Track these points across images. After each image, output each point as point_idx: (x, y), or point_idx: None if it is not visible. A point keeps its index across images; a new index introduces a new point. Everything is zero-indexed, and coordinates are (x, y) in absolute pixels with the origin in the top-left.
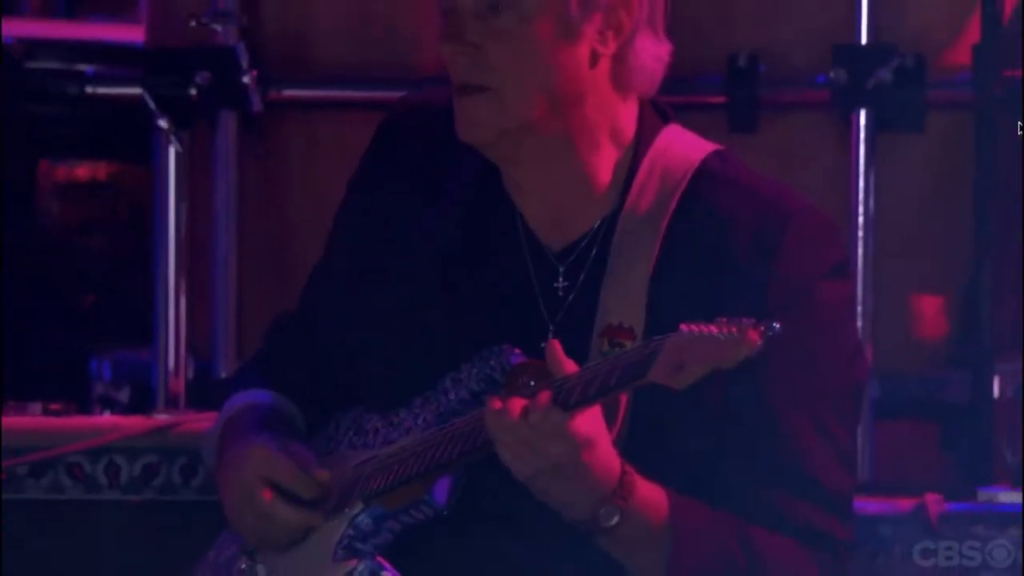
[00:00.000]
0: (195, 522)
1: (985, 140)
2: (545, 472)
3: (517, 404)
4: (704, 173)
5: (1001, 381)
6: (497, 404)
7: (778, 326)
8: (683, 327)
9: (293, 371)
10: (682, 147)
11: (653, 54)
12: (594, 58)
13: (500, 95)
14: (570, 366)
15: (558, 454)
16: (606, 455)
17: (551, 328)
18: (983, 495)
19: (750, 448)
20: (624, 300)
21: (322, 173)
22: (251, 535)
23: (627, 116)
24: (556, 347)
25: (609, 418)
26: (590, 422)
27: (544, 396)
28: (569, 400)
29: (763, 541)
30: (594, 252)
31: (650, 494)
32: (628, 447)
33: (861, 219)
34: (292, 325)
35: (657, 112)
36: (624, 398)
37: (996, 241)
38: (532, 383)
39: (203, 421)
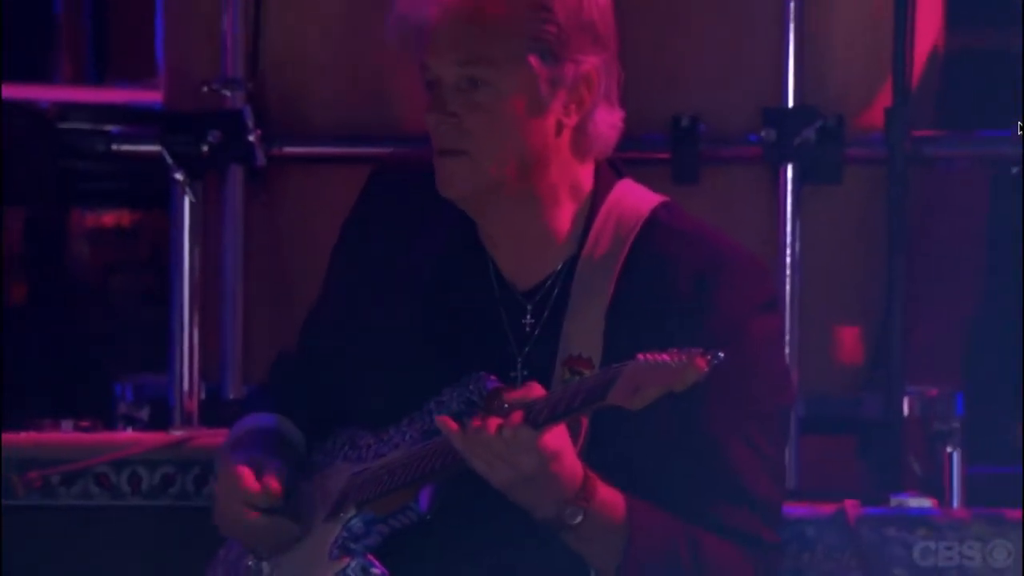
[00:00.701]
0: (207, 525)
1: (896, 191)
2: (517, 481)
3: (493, 423)
4: (653, 222)
5: (910, 401)
6: (476, 422)
7: (722, 355)
8: (639, 356)
9: (294, 397)
10: (633, 199)
11: (608, 122)
12: (559, 128)
13: (476, 159)
14: (539, 391)
15: (529, 465)
16: (571, 464)
17: (519, 358)
18: (895, 501)
19: (692, 461)
20: (583, 334)
21: (318, 220)
22: (235, 538)
23: (585, 174)
24: (532, 383)
25: (573, 433)
26: (556, 438)
27: (517, 416)
28: (538, 419)
29: (705, 541)
30: (556, 292)
31: (609, 497)
32: (591, 457)
33: (788, 260)
34: (293, 357)
35: (612, 168)
36: (585, 418)
37: (906, 279)
38: (506, 405)
39: (214, 436)
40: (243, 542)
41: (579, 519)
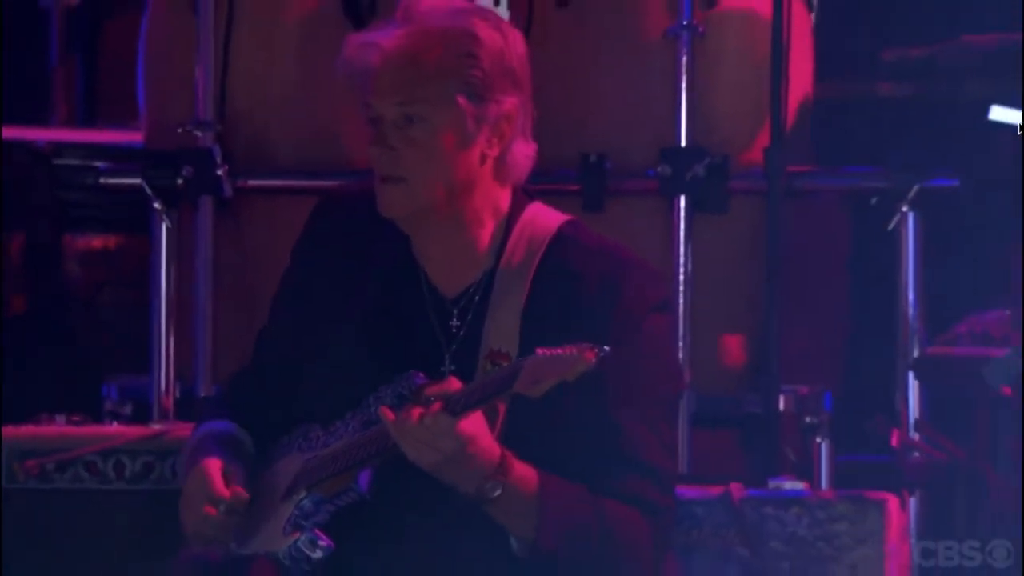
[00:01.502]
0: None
1: (774, 218)
2: (441, 462)
3: (416, 412)
4: (560, 237)
5: (785, 399)
6: (403, 414)
7: (608, 349)
8: (538, 351)
9: (249, 405)
10: (543, 218)
11: (524, 153)
12: (482, 159)
13: (412, 185)
14: (456, 384)
15: (449, 448)
16: (487, 446)
17: (447, 356)
18: (772, 484)
19: (597, 439)
20: (502, 333)
21: (278, 243)
22: (191, 532)
23: (504, 197)
24: (450, 378)
25: (491, 419)
26: (472, 423)
27: (436, 406)
28: (455, 408)
29: (609, 507)
30: (478, 298)
31: (524, 472)
32: (510, 438)
33: (681, 278)
34: (248, 372)
35: (525, 193)
36: (501, 405)
37: (782, 295)
38: (431, 398)
39: (187, 429)
40: (200, 533)
41: (498, 493)
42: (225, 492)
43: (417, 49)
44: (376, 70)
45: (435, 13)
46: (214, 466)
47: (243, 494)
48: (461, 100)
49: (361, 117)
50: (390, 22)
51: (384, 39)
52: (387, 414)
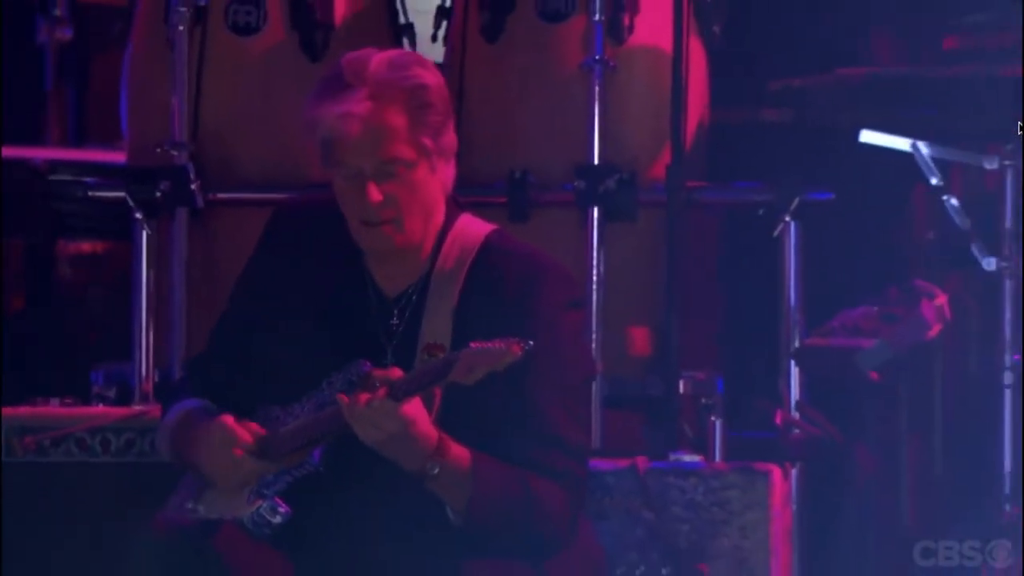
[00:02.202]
0: (161, 476)
1: (675, 227)
2: (386, 441)
3: (364, 397)
4: (487, 244)
5: (684, 383)
6: (353, 398)
7: (532, 343)
8: (472, 344)
9: (209, 388)
10: (473, 228)
11: (452, 173)
12: (441, 184)
13: (403, 222)
14: (399, 373)
15: (392, 428)
16: (426, 428)
17: (389, 348)
18: (673, 457)
19: (520, 420)
20: (436, 329)
21: (244, 249)
22: (220, 479)
23: (441, 210)
24: (387, 374)
25: (428, 403)
26: (413, 407)
27: (381, 391)
28: (398, 394)
29: (531, 480)
30: (416, 298)
31: (459, 453)
32: (444, 420)
33: (594, 278)
34: (204, 357)
35: (455, 204)
36: (438, 391)
37: (682, 293)
38: (377, 384)
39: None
40: (231, 476)
41: (436, 471)
42: (248, 436)
43: (387, 112)
44: (357, 138)
45: (382, 68)
46: (228, 419)
47: (262, 431)
48: (426, 141)
49: (328, 165)
50: (349, 87)
51: (356, 107)
52: (342, 398)
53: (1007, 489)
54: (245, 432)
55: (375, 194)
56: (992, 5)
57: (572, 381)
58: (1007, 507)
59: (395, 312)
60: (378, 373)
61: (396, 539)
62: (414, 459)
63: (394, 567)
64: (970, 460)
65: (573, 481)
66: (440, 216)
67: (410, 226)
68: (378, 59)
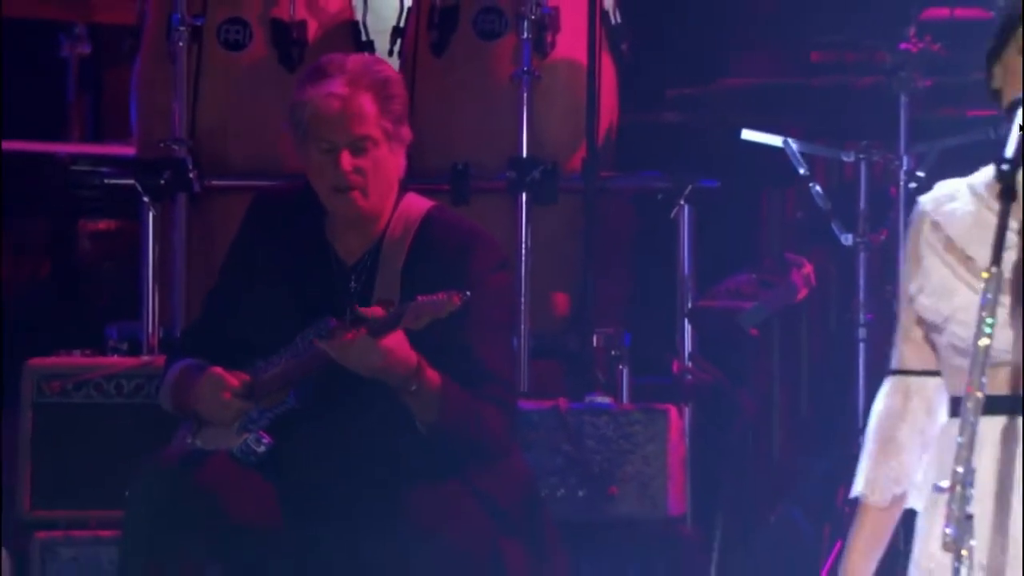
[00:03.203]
0: (163, 415)
1: (590, 209)
2: (374, 368)
3: (350, 335)
4: (429, 216)
5: (597, 338)
6: (342, 338)
7: (468, 294)
8: (419, 297)
9: (203, 348)
10: (416, 204)
11: (405, 162)
12: (399, 164)
13: (367, 190)
14: (380, 311)
15: (375, 359)
16: (405, 355)
17: (348, 307)
18: (588, 399)
19: (464, 357)
20: (387, 286)
21: (232, 227)
22: (216, 419)
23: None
24: (374, 311)
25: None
26: (392, 339)
27: (362, 330)
28: (375, 332)
29: (478, 401)
30: (369, 263)
31: (432, 374)
32: (418, 351)
33: (523, 252)
34: (199, 323)
35: (402, 186)
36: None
37: (595, 264)
38: (368, 319)
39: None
40: (221, 415)
41: (414, 387)
42: (236, 381)
43: (362, 97)
44: (336, 114)
45: (361, 66)
46: (218, 370)
47: (247, 378)
48: (388, 125)
49: (304, 144)
50: (329, 71)
51: (337, 90)
52: (333, 339)
53: (860, 424)
54: (233, 378)
55: (347, 163)
56: (847, 27)
57: (499, 327)
58: (861, 439)
59: (352, 277)
60: (364, 310)
61: (357, 464)
62: (396, 378)
63: (356, 486)
64: (830, 401)
65: (505, 405)
66: (394, 194)
67: (373, 194)
68: (355, 57)
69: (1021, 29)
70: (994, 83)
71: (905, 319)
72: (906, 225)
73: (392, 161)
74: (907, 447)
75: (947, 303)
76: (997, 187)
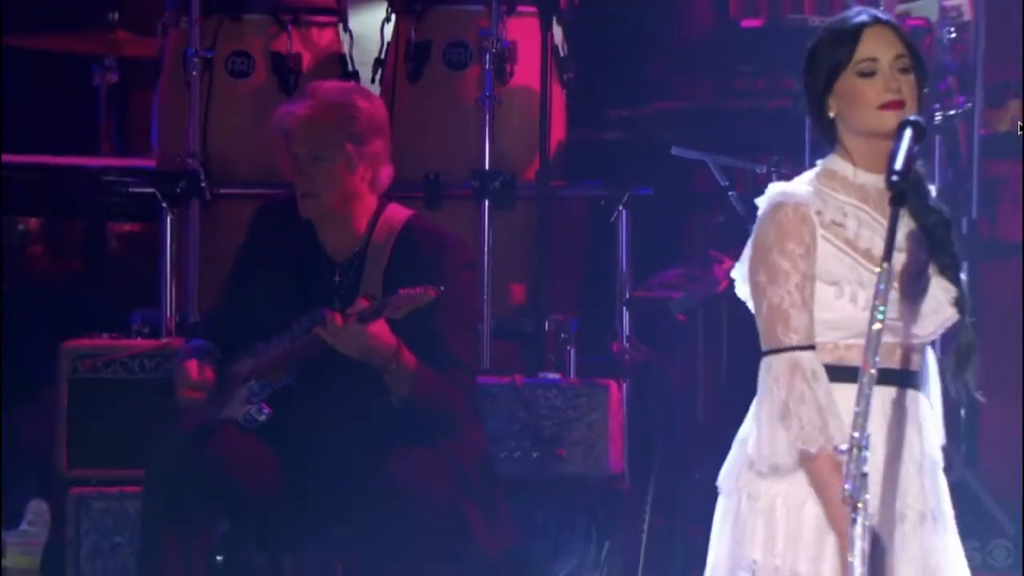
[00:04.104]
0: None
1: (543, 214)
2: (362, 350)
3: (340, 321)
4: (408, 224)
5: (549, 323)
6: (337, 324)
7: (443, 288)
8: (400, 291)
9: (217, 331)
10: (398, 213)
11: (386, 174)
12: (361, 179)
13: (320, 197)
14: (366, 303)
15: (362, 342)
16: (387, 340)
17: (336, 299)
18: (540, 375)
19: (431, 343)
20: (371, 282)
21: (239, 230)
22: (179, 404)
23: (373, 200)
24: (361, 302)
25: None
26: (377, 327)
27: (352, 317)
28: (363, 319)
29: (443, 381)
30: (356, 263)
31: (408, 356)
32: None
33: (486, 251)
34: (215, 309)
35: (385, 196)
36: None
37: (547, 261)
38: (359, 311)
39: (180, 342)
40: (185, 406)
41: (393, 367)
42: (197, 378)
43: (319, 114)
44: (295, 129)
45: (330, 91)
46: (191, 365)
47: (210, 377)
48: (348, 145)
49: (286, 155)
50: (304, 96)
51: (299, 109)
52: (328, 324)
53: None
54: (197, 376)
55: (305, 173)
56: (759, 58)
57: (466, 320)
58: None
59: (340, 273)
60: (362, 301)
61: (343, 431)
62: (379, 359)
63: (342, 451)
64: (745, 376)
65: (465, 387)
66: (370, 203)
67: (328, 200)
68: (331, 84)
69: (854, 54)
70: (830, 113)
71: (791, 296)
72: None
73: (352, 175)
74: (808, 414)
75: (837, 288)
76: (888, 193)
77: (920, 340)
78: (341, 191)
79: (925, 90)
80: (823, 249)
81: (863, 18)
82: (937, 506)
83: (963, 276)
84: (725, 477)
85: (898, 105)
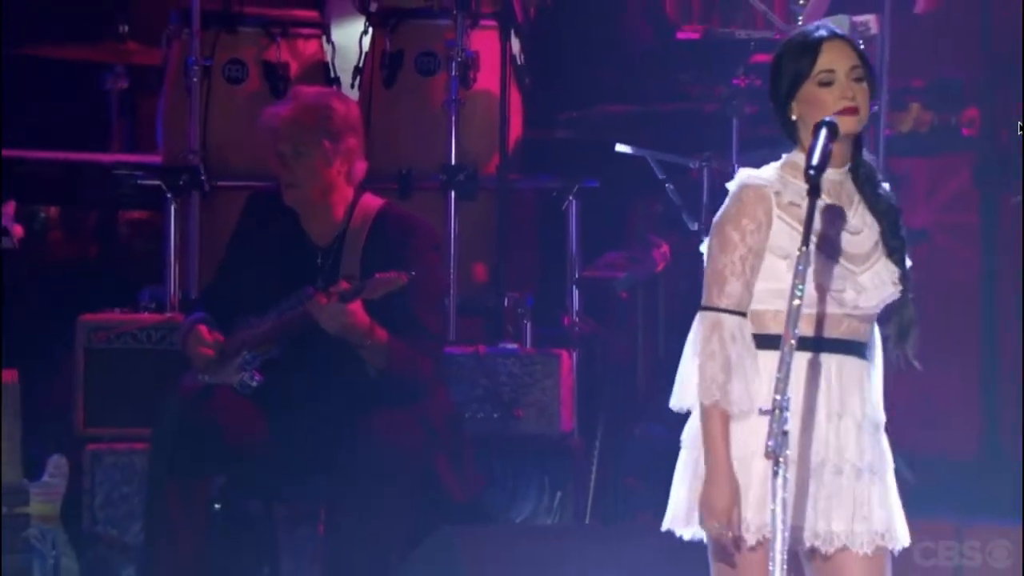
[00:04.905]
0: (181, 359)
1: (502, 204)
2: (339, 327)
3: (323, 300)
4: (382, 211)
5: (508, 299)
6: (319, 302)
7: (414, 273)
8: (376, 275)
9: (214, 305)
10: (372, 202)
11: (360, 168)
12: (338, 172)
13: (301, 188)
14: (346, 284)
15: (342, 319)
16: (363, 318)
17: (320, 279)
18: (500, 345)
19: (403, 319)
20: (350, 265)
21: (232, 217)
22: (194, 363)
23: (350, 191)
24: (342, 284)
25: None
26: (354, 307)
27: (334, 296)
28: (343, 298)
29: (414, 351)
30: (336, 247)
31: (381, 333)
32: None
33: (452, 235)
34: (211, 287)
35: (360, 186)
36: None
37: (507, 245)
38: (331, 294)
39: (181, 317)
40: (199, 364)
41: (368, 343)
42: (209, 338)
43: (300, 115)
44: (279, 128)
45: (310, 94)
46: (202, 328)
47: (220, 339)
48: (325, 141)
49: (272, 152)
50: (287, 99)
51: (283, 111)
52: (316, 298)
53: None
54: (209, 337)
55: (289, 167)
56: (693, 68)
57: (434, 295)
58: None
59: (322, 256)
60: (343, 284)
61: (325, 397)
62: (356, 336)
63: (324, 413)
64: (680, 347)
65: (434, 355)
66: (347, 193)
67: (308, 191)
68: (311, 88)
69: (815, 65)
70: (791, 115)
71: (734, 265)
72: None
73: (329, 168)
74: (739, 373)
75: (788, 261)
76: (806, 185)
77: (864, 312)
78: (320, 182)
79: (875, 96)
80: (777, 226)
81: (822, 33)
82: (875, 462)
83: (907, 257)
84: (687, 433)
85: (853, 111)
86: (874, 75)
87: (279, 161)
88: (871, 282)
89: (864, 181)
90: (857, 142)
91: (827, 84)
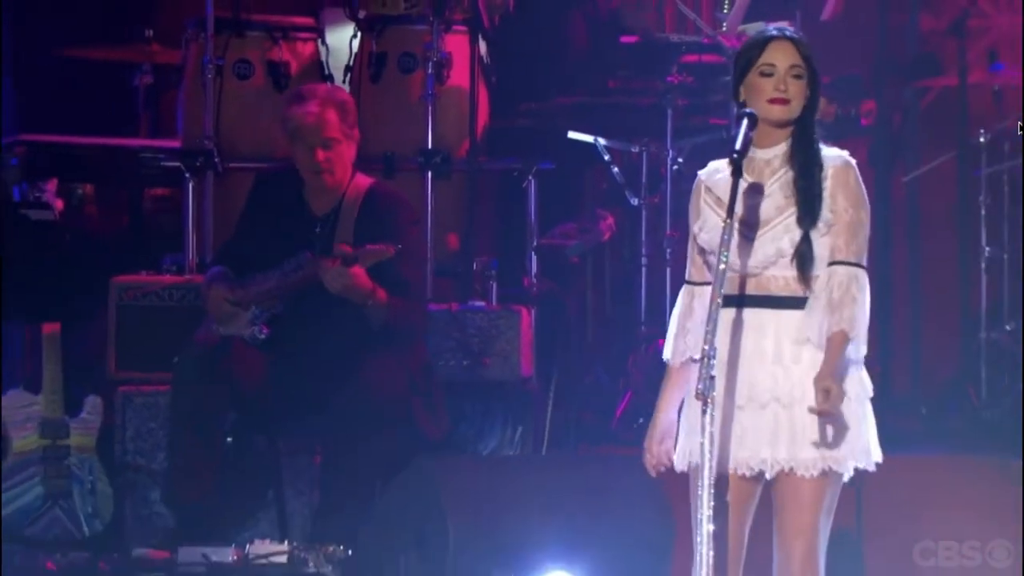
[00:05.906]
0: (200, 314)
1: (471, 182)
2: (344, 288)
3: (329, 263)
4: (372, 188)
5: (476, 263)
6: (326, 265)
7: (400, 246)
8: (368, 246)
9: (228, 262)
10: (364, 180)
11: (355, 150)
12: (352, 155)
13: (335, 173)
14: (348, 249)
15: (347, 281)
16: (365, 281)
17: (317, 245)
18: (469, 303)
19: (397, 279)
20: (343, 235)
21: (242, 194)
22: (214, 315)
23: (351, 169)
24: (343, 248)
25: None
26: (356, 270)
27: (337, 260)
28: (345, 263)
29: (408, 305)
30: (332, 217)
31: (380, 292)
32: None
33: (429, 209)
34: (225, 247)
35: (353, 167)
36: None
37: (476, 218)
38: (341, 255)
39: (201, 278)
40: (221, 316)
41: (370, 303)
42: (229, 294)
43: (327, 112)
44: (311, 123)
45: (330, 91)
46: (222, 286)
47: (238, 295)
48: (346, 129)
49: (299, 145)
50: (310, 98)
51: (312, 108)
52: (322, 263)
53: (641, 319)
54: (228, 292)
55: (321, 156)
56: (632, 66)
57: (417, 260)
58: (642, 328)
59: (320, 225)
60: (344, 248)
61: (325, 348)
62: (358, 296)
63: (323, 362)
64: (623, 305)
65: (422, 307)
66: (349, 172)
67: (337, 174)
68: (323, 85)
69: (760, 58)
70: (740, 99)
71: (691, 249)
72: (672, 193)
73: (347, 152)
74: (693, 330)
75: (715, 238)
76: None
77: (754, 271)
78: (344, 166)
79: (819, 93)
80: (705, 211)
81: (772, 32)
82: (788, 393)
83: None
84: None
85: (783, 102)
86: (818, 76)
87: (308, 153)
88: (761, 245)
89: (798, 165)
90: (804, 130)
91: (767, 75)
